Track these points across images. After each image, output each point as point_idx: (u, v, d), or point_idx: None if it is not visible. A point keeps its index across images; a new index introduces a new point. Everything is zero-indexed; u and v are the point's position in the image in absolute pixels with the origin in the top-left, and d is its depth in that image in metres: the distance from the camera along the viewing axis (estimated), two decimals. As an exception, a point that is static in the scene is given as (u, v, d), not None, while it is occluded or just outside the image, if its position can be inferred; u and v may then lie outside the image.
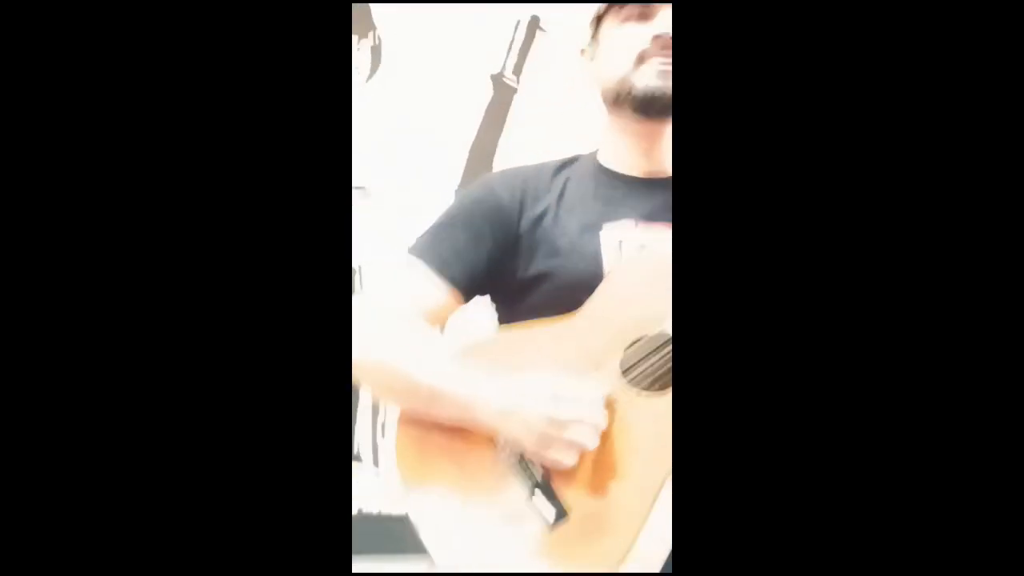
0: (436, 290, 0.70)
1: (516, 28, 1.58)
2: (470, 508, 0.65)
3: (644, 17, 0.70)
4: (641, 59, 0.69)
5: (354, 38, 1.44)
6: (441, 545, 0.64)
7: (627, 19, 0.72)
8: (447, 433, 0.65)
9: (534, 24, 1.60)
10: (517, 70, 1.58)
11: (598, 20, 0.75)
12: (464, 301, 0.72)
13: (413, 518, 0.66)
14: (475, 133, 1.55)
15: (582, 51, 0.79)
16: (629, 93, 0.70)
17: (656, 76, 0.68)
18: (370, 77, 1.48)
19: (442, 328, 0.75)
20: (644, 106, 0.70)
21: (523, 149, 1.53)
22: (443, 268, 0.71)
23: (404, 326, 0.69)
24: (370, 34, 1.48)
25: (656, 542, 0.59)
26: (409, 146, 1.53)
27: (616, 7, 0.72)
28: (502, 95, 1.56)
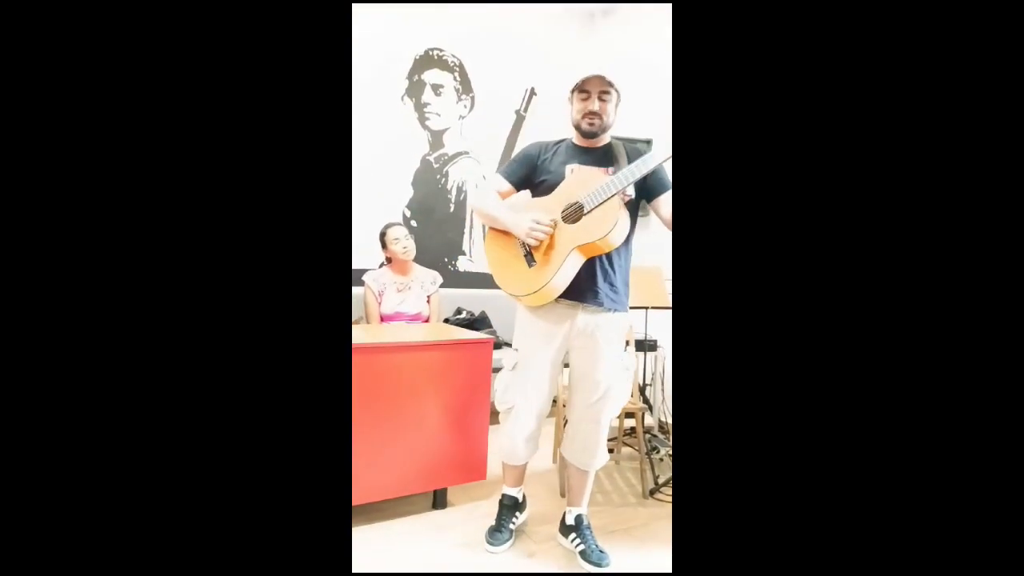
0: (504, 184, 1.87)
1: (526, 93, 3.50)
2: (509, 260, 1.81)
3: (587, 97, 1.80)
4: (583, 118, 1.83)
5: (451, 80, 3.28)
6: (495, 270, 1.82)
7: (578, 97, 1.80)
8: (501, 234, 1.84)
9: (532, 92, 3.51)
10: (525, 109, 3.47)
11: (572, 93, 1.82)
12: (516, 191, 1.89)
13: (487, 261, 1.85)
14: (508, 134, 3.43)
15: (569, 100, 1.82)
16: (579, 128, 1.85)
17: (588, 126, 1.83)
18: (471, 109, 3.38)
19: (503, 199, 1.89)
20: (585, 134, 1.84)
21: (528, 140, 3.18)
22: (508, 176, 1.87)
23: (491, 194, 1.86)
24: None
25: (561, 280, 1.72)
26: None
27: (577, 91, 1.84)
28: (519, 119, 3.45)
